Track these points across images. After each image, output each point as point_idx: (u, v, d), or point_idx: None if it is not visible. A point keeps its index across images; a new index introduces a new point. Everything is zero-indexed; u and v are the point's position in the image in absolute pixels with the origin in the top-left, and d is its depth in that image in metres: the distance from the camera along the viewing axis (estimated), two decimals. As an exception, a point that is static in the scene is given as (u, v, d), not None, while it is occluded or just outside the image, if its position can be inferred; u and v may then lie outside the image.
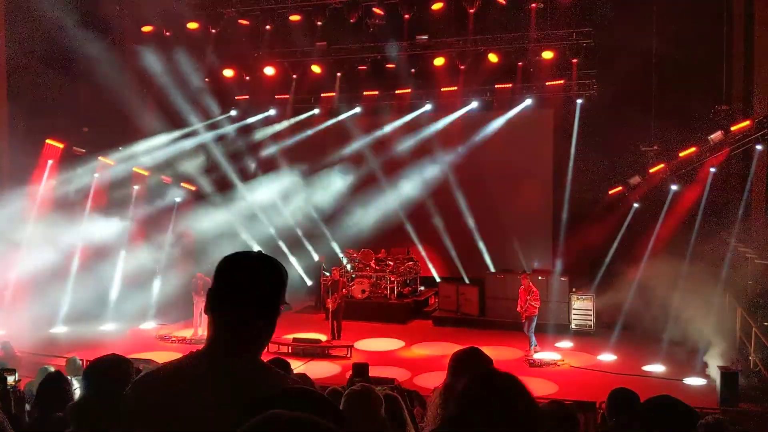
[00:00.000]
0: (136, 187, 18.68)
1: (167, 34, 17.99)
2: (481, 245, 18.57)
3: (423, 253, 19.08)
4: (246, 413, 1.33)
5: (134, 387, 1.92)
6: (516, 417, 1.77)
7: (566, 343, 14.38)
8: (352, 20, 17.27)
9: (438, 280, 18.28)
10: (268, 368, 1.92)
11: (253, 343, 1.92)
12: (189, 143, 18.91)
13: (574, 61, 16.81)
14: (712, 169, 15.25)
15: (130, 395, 1.91)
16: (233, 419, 1.72)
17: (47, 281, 15.03)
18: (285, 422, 1.23)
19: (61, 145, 17.20)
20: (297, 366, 11.20)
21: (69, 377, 4.58)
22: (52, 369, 7.44)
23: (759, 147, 14.33)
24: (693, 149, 15.33)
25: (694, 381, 11.60)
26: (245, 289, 1.89)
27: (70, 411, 2.84)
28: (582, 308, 15.25)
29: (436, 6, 16.77)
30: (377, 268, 17.74)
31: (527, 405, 1.82)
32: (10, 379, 4.68)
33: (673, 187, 15.78)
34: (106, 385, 2.76)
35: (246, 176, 19.40)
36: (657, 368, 12.40)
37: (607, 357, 13.29)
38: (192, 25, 17.92)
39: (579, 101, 17.30)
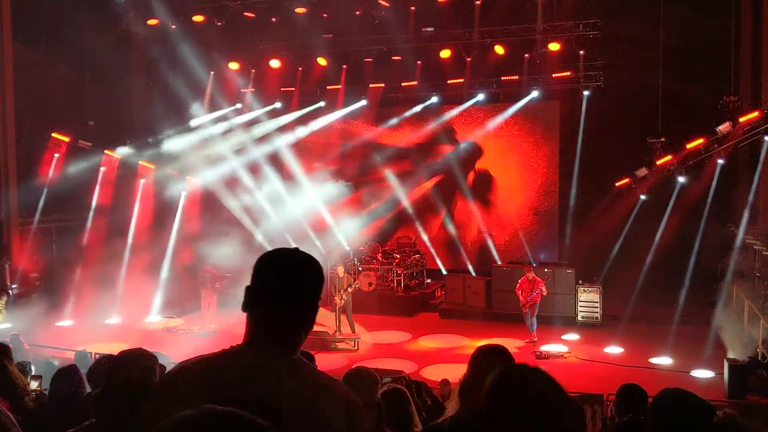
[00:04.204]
0: (142, 181, 18.76)
1: (173, 27, 17.97)
2: (488, 238, 18.57)
3: (429, 246, 19.08)
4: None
5: (166, 379, 1.92)
6: (552, 414, 1.71)
7: (573, 335, 14.36)
8: (357, 12, 17.23)
9: (445, 272, 18.27)
10: (304, 365, 1.92)
11: (292, 341, 1.93)
12: (195, 136, 18.92)
13: (581, 52, 16.75)
14: (720, 161, 15.15)
15: (162, 387, 1.92)
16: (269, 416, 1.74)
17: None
18: (216, 416, 1.23)
19: (66, 139, 17.25)
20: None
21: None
22: (57, 363, 7.48)
23: (767, 138, 14.23)
24: (700, 141, 15.22)
25: (702, 373, 11.56)
26: (286, 288, 1.90)
27: (92, 401, 2.86)
28: (588, 300, 15.21)
29: (442, -3, 16.71)
30: (384, 260, 17.74)
31: (563, 402, 1.76)
32: (35, 384, 4.67)
33: (681, 179, 15.70)
34: (131, 378, 2.80)
35: (253, 169, 19.37)
36: (664, 360, 12.37)
37: (614, 349, 13.26)
38: (197, 18, 17.89)
39: (586, 93, 17.24)
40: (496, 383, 1.81)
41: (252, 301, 1.91)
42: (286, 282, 1.90)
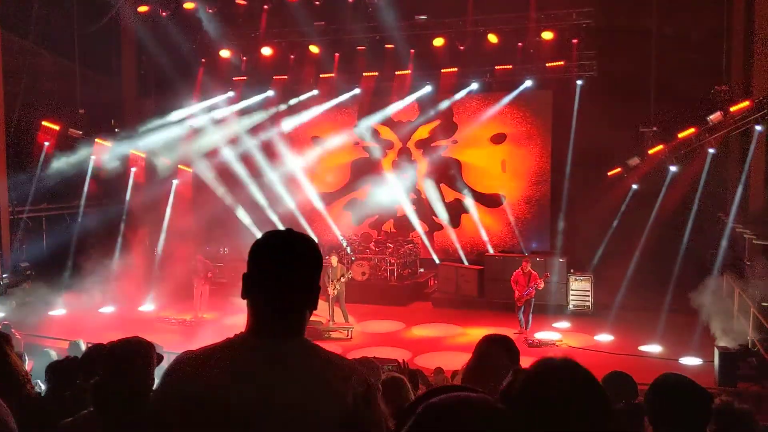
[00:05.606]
0: (133, 170, 18.66)
1: (164, 13, 17.80)
2: (481, 227, 18.63)
3: (422, 235, 19.12)
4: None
5: (173, 371, 1.88)
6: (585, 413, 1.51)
7: (564, 323, 14.47)
8: (350, 0, 17.12)
9: (437, 262, 18.32)
10: (316, 348, 1.91)
11: (297, 323, 1.91)
12: (186, 125, 18.81)
13: (574, 41, 16.73)
14: (711, 150, 15.23)
15: (169, 380, 1.88)
16: (288, 400, 1.76)
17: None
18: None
19: (57, 127, 17.10)
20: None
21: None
22: (53, 353, 7.46)
23: (758, 127, 14.29)
24: (692, 130, 15.29)
25: (691, 361, 11.68)
26: (284, 271, 1.88)
27: (91, 391, 2.86)
28: (580, 289, 15.31)
29: (436, -15, 16.64)
30: (377, 250, 17.76)
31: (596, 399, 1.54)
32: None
33: (672, 168, 15.78)
34: (129, 367, 2.80)
35: (245, 159, 19.27)
36: (654, 348, 12.48)
37: (605, 337, 13.37)
38: (188, 5, 17.71)
39: (579, 82, 17.24)
40: (531, 378, 1.56)
41: (251, 288, 1.89)
42: (283, 265, 1.87)
